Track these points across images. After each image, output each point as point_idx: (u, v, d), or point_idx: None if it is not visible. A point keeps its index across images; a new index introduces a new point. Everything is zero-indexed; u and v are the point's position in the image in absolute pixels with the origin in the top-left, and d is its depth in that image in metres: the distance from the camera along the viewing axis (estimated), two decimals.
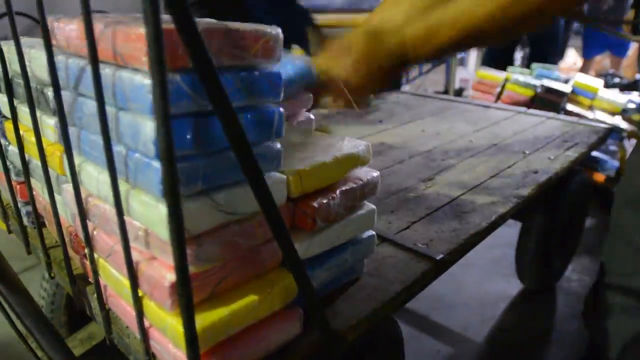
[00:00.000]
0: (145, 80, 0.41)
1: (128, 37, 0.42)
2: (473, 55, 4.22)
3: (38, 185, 0.80)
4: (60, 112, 0.52)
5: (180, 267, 0.41)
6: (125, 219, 0.49)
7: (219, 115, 0.39)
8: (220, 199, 0.49)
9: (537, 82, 2.48)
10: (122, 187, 0.50)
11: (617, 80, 3.12)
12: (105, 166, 0.46)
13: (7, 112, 0.79)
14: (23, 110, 0.74)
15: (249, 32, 0.48)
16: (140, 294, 0.55)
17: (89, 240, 0.61)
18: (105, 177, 0.53)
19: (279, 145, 0.54)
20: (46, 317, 0.79)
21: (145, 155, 0.45)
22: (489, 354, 1.44)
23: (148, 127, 0.43)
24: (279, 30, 0.51)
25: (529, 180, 1.14)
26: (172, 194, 0.37)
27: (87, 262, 0.63)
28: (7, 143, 0.86)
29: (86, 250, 0.62)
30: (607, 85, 2.92)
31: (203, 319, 0.50)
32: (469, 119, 1.72)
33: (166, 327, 0.52)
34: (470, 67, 4.87)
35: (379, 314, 0.67)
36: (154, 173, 0.44)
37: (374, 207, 0.69)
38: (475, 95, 2.81)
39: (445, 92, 3.47)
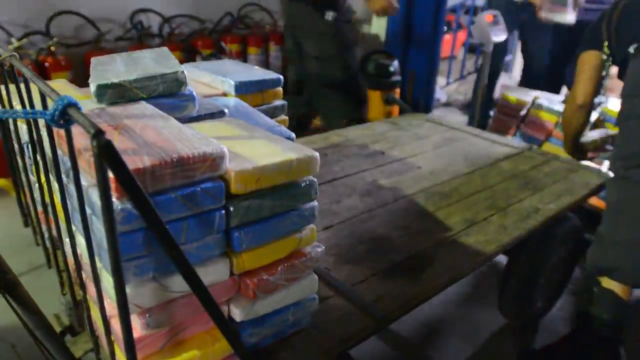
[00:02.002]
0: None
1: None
2: (519, 61, 4.12)
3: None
4: (62, 197, 0.68)
5: (126, 331, 0.56)
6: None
7: (151, 228, 0.54)
8: (167, 282, 0.64)
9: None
10: (99, 263, 0.66)
11: None
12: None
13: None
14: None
15: (197, 156, 0.62)
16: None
17: (83, 285, 0.78)
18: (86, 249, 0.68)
19: (220, 235, 0.68)
20: (52, 327, 0.97)
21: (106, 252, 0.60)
22: None
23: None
24: (224, 148, 0.64)
25: (500, 238, 1.23)
26: (118, 283, 0.53)
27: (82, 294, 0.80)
28: (34, 179, 1.04)
29: (81, 293, 0.79)
30: None
31: None
32: (470, 155, 1.80)
33: None
34: (516, 72, 4.77)
35: None
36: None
37: (315, 277, 0.82)
38: (499, 117, 2.84)
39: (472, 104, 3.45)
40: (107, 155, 0.47)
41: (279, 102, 1.25)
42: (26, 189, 1.12)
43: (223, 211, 0.66)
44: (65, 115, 0.53)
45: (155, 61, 0.91)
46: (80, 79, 3.00)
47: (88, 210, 0.63)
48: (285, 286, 0.78)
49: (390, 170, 1.63)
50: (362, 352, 1.59)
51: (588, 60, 1.62)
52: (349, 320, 0.90)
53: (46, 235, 1.08)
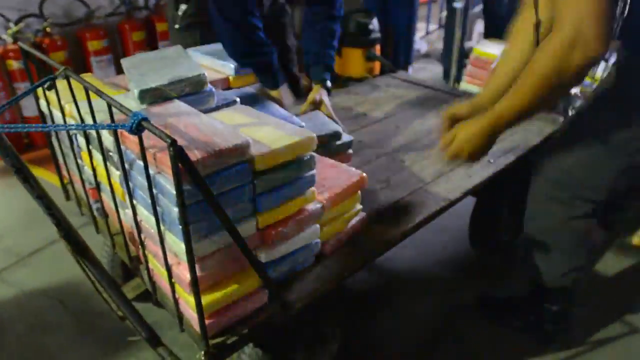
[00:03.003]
0: (172, 190, 0.81)
1: (164, 161, 0.81)
2: (479, 25, 4.31)
3: (105, 194, 1.22)
4: (126, 180, 0.93)
5: (192, 275, 0.83)
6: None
7: (209, 204, 0.79)
8: (215, 238, 0.90)
9: None
10: (163, 227, 0.91)
11: None
12: (150, 210, 0.87)
13: (83, 146, 1.20)
14: (95, 154, 1.14)
15: (232, 148, 0.86)
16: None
17: (143, 244, 1.04)
18: (151, 217, 0.93)
19: (249, 202, 0.93)
20: (114, 279, 1.24)
21: (173, 220, 0.86)
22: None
23: (173, 211, 0.83)
24: (249, 140, 0.88)
25: (465, 185, 1.49)
26: (188, 243, 0.78)
27: (140, 251, 1.06)
28: (82, 164, 1.27)
29: (140, 251, 1.05)
30: None
31: (207, 298, 0.93)
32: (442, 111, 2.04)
33: (187, 300, 0.95)
34: (475, 39, 4.88)
35: (318, 291, 1.08)
36: (178, 231, 0.85)
37: (317, 226, 1.08)
38: (473, 72, 3.05)
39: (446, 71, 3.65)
40: (180, 156, 0.71)
41: None
42: (72, 171, 1.36)
43: (250, 184, 0.91)
44: (139, 126, 0.77)
45: (178, 63, 1.13)
46: (76, 57, 3.16)
47: (154, 190, 0.87)
48: (295, 235, 1.04)
49: (373, 130, 1.88)
50: (354, 283, 1.90)
51: None
52: (343, 258, 1.18)
53: (94, 207, 1.33)
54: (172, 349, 1.05)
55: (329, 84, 1.78)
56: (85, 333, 1.71)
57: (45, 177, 2.66)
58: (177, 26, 1.86)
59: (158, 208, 0.89)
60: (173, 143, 0.71)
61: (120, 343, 1.63)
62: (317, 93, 1.72)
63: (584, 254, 1.51)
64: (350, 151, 1.48)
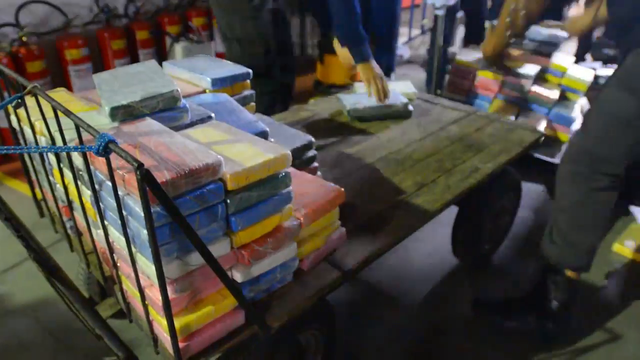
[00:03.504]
0: (140, 212, 0.78)
1: (132, 183, 0.79)
2: (462, 31, 4.34)
3: (78, 212, 1.19)
4: (97, 201, 0.90)
5: (164, 298, 0.80)
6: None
7: (179, 226, 0.77)
8: (188, 259, 0.87)
9: None
10: (134, 249, 0.89)
11: (607, 51, 3.22)
12: (121, 232, 0.84)
13: (54, 163, 1.16)
14: (66, 172, 1.11)
15: (202, 167, 0.84)
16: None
17: (115, 265, 1.01)
18: (122, 239, 0.91)
19: (222, 221, 0.91)
20: (88, 298, 1.21)
21: (143, 242, 0.83)
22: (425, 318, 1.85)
23: (143, 233, 0.81)
24: (220, 158, 0.87)
25: (445, 196, 1.49)
26: (158, 265, 0.76)
27: (114, 271, 1.03)
28: (54, 181, 1.24)
29: (113, 271, 1.02)
30: (595, 58, 3.11)
31: (180, 320, 0.90)
32: (423, 121, 2.05)
33: (160, 322, 0.92)
34: (457, 44, 4.89)
35: (295, 310, 1.06)
36: (148, 253, 0.82)
37: (294, 244, 1.06)
38: (454, 80, 3.07)
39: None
40: (147, 179, 0.69)
41: (247, 92, 1.48)
42: (45, 189, 1.32)
43: (223, 204, 0.89)
44: (107, 149, 0.74)
45: (151, 79, 1.11)
46: (53, 66, 3.11)
47: (124, 212, 0.85)
48: (272, 253, 1.02)
49: (353, 141, 1.87)
50: (338, 296, 1.88)
51: None
52: (322, 275, 1.16)
53: (68, 225, 1.29)
54: None
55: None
56: (62, 352, 1.67)
57: (21, 189, 2.61)
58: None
59: (128, 230, 0.87)
60: (140, 166, 0.68)
61: None
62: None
63: (601, 231, 1.60)
64: (316, 164, 1.46)
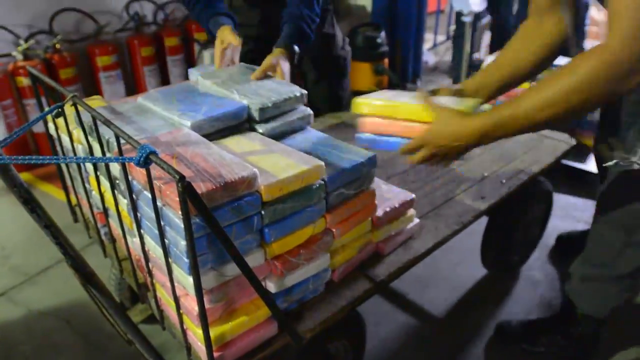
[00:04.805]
0: (179, 223, 0.79)
1: (171, 195, 0.80)
2: (488, 37, 4.28)
3: (113, 220, 1.21)
4: (134, 210, 0.91)
5: (201, 308, 0.81)
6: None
7: (217, 238, 0.77)
8: (223, 270, 0.88)
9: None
10: (170, 258, 0.90)
11: None
12: (158, 241, 0.85)
13: (91, 171, 1.19)
14: (102, 180, 1.13)
15: (238, 180, 0.84)
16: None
17: (150, 273, 1.02)
18: (158, 248, 0.92)
19: (257, 233, 0.91)
20: (121, 304, 1.22)
21: (179, 253, 0.84)
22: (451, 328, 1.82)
23: (181, 244, 0.81)
24: (256, 171, 0.87)
25: (477, 206, 1.47)
26: (196, 276, 0.77)
27: (148, 279, 1.04)
28: (90, 188, 1.26)
29: (148, 279, 1.03)
30: None
31: (215, 330, 0.91)
32: None
33: (195, 332, 0.93)
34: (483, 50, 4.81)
35: (327, 321, 1.06)
36: (185, 264, 0.83)
37: (327, 255, 1.06)
38: None
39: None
40: (188, 191, 0.70)
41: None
42: (80, 195, 1.35)
43: (259, 215, 0.90)
44: (147, 160, 0.75)
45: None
46: (84, 73, 3.17)
47: (162, 222, 0.86)
48: (304, 264, 1.02)
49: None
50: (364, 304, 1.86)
51: None
52: (354, 285, 1.15)
53: (102, 231, 1.32)
54: None
55: (295, 48, 1.56)
56: (93, 355, 1.70)
57: (54, 193, 2.67)
58: None
59: (165, 240, 0.87)
60: (182, 178, 0.69)
61: None
62: (275, 57, 1.47)
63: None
64: None
